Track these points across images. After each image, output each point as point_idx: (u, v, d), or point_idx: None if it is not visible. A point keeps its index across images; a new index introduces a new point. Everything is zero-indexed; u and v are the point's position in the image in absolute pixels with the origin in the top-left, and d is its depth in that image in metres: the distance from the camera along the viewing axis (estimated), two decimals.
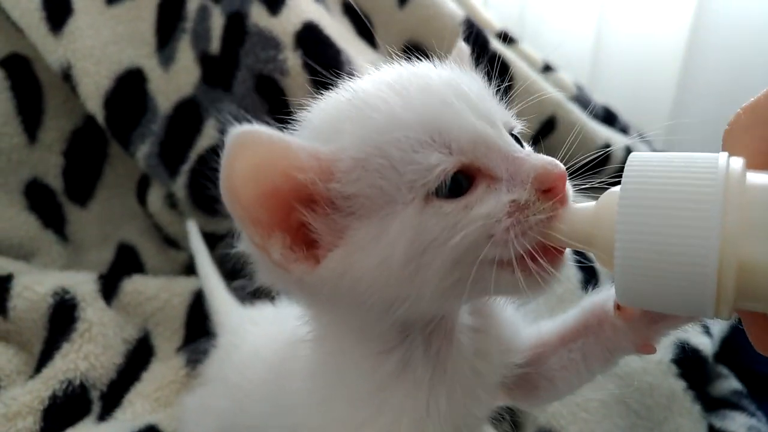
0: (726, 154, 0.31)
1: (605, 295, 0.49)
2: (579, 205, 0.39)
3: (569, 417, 0.78)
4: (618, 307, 0.46)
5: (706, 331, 0.86)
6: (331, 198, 0.40)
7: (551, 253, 0.39)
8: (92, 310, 0.86)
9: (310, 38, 0.97)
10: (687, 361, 0.80)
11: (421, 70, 0.43)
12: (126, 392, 0.83)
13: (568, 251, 0.40)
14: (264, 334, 0.62)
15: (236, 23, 0.99)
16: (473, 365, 0.47)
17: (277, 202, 0.39)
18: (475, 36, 1.09)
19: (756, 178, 0.31)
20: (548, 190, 0.38)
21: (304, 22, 0.98)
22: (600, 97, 1.34)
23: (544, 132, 1.10)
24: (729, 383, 0.86)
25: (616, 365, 0.50)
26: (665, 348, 0.81)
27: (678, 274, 0.30)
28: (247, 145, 0.37)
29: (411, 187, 0.38)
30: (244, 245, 0.43)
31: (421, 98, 0.40)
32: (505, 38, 1.24)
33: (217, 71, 1.01)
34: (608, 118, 1.27)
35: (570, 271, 0.95)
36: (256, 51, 0.98)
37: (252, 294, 0.82)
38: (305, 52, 0.96)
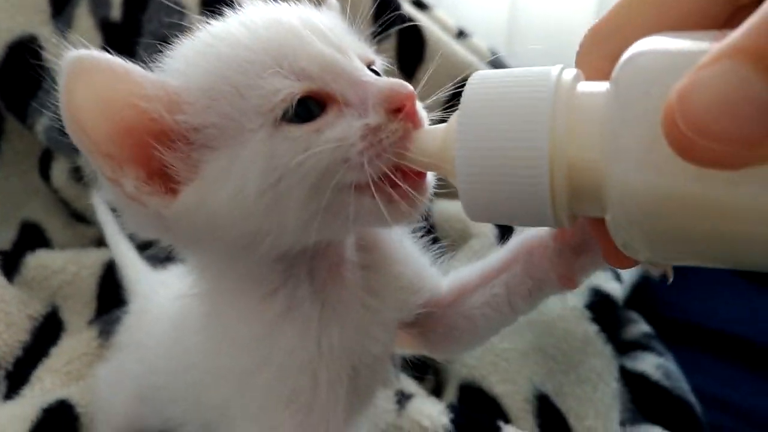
0: (560, 66, 0.33)
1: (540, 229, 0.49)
2: (432, 126, 0.39)
3: (490, 367, 0.80)
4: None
5: (617, 277, 0.89)
6: (182, 131, 0.39)
7: (411, 178, 0.39)
8: None
9: (217, 1, 0.94)
10: (599, 305, 0.83)
11: (274, 8, 0.43)
12: (34, 369, 0.80)
13: (430, 177, 0.41)
14: (172, 294, 0.60)
15: None
16: (364, 302, 0.47)
17: (129, 138, 0.38)
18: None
19: (586, 86, 0.32)
20: (398, 110, 0.38)
21: None
22: (515, 63, 1.37)
23: (458, 95, 1.10)
24: (639, 327, 0.90)
25: (536, 306, 0.50)
26: (579, 295, 0.84)
27: (514, 182, 0.31)
28: (85, 71, 0.36)
29: (258, 112, 0.38)
30: (105, 193, 0.41)
31: (268, 28, 0.40)
32: (419, 5, 1.24)
33: (119, 38, 0.97)
34: None
35: (486, 226, 0.97)
36: (159, 17, 0.94)
37: (165, 261, 0.80)
38: (211, 17, 0.93)
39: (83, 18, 0.98)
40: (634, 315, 0.92)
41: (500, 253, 0.51)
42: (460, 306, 0.52)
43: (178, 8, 0.94)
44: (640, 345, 0.86)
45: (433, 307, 0.51)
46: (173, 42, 0.44)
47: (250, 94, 0.38)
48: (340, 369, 0.46)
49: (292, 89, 0.38)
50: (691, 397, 0.77)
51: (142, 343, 0.62)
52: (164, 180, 0.40)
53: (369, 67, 0.43)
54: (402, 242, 0.51)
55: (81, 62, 0.36)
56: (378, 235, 0.50)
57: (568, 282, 0.47)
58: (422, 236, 0.54)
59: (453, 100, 0.42)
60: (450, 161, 0.34)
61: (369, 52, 0.45)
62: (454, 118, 0.35)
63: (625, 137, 0.28)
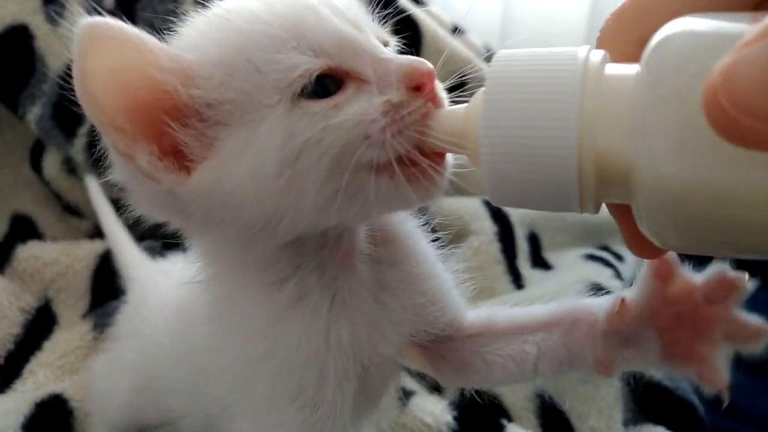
0: (587, 47, 0.31)
1: (596, 300, 0.46)
2: (454, 106, 0.38)
3: None
4: (621, 302, 0.42)
5: (618, 275, 0.89)
6: (195, 107, 0.38)
7: (431, 157, 0.38)
8: None
9: None
10: None
11: None
12: (26, 363, 0.78)
13: (449, 157, 0.40)
14: (174, 282, 0.58)
15: None
16: (377, 297, 0.46)
17: (143, 114, 0.37)
18: None
19: (615, 68, 0.31)
20: (418, 88, 0.37)
21: None
22: None
23: (453, 89, 1.10)
24: None
25: (561, 378, 0.48)
26: (580, 292, 0.83)
27: (540, 165, 0.30)
28: (99, 38, 0.35)
29: (276, 88, 0.37)
30: (116, 172, 0.40)
31: (285, 3, 0.39)
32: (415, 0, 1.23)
33: None
34: None
35: (485, 223, 0.97)
36: (153, 4, 0.93)
37: (161, 252, 0.79)
38: (207, 3, 0.92)
39: (75, 6, 0.96)
40: None
41: (543, 310, 0.48)
42: (481, 346, 0.49)
43: None
44: None
45: (453, 332, 0.50)
46: (167, 30, 0.42)
47: (268, 69, 0.37)
48: (348, 366, 0.44)
49: (310, 65, 0.37)
50: (694, 398, 0.76)
51: (142, 332, 0.61)
52: (177, 158, 0.38)
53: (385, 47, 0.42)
54: (427, 254, 0.50)
55: (95, 29, 0.34)
56: (394, 230, 0.48)
57: (604, 369, 0.44)
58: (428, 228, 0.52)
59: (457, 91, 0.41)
60: (473, 141, 0.33)
61: (384, 33, 0.44)
62: (478, 97, 0.34)
63: (657, 118, 0.27)
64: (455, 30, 1.24)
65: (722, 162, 0.25)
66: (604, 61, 0.31)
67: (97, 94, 0.35)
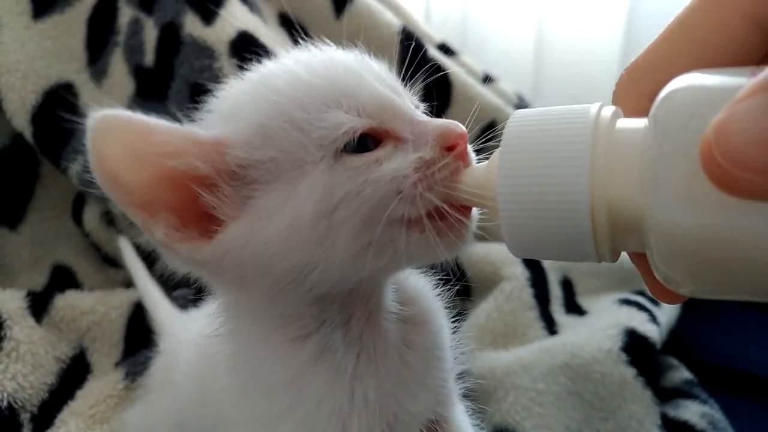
0: (600, 103, 0.33)
1: None
2: (477, 164, 0.40)
3: (524, 413, 0.77)
4: None
5: (653, 319, 0.87)
6: (225, 170, 0.40)
7: (458, 211, 0.40)
8: (19, 329, 0.81)
9: (246, 46, 0.96)
10: (635, 348, 0.81)
11: (327, 50, 0.44)
12: (59, 412, 0.78)
13: (475, 212, 0.41)
14: (202, 328, 0.59)
15: (170, 34, 0.98)
16: (402, 356, 0.46)
17: (169, 184, 0.38)
18: (413, 44, 1.10)
19: (625, 122, 0.32)
20: (451, 148, 0.39)
21: (240, 32, 0.98)
22: (541, 104, 1.37)
23: (485, 138, 1.10)
24: (680, 373, 0.86)
25: None
26: (614, 337, 0.82)
27: (555, 218, 0.32)
28: (110, 131, 0.37)
29: (319, 145, 0.39)
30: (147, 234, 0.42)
31: (325, 66, 0.41)
32: (445, 50, 1.26)
33: (152, 83, 0.99)
34: None
35: (517, 269, 0.96)
36: (190, 60, 0.97)
37: (194, 301, 0.80)
38: (241, 60, 0.95)
39: (118, 65, 1.01)
40: (674, 361, 0.88)
41: None
42: None
43: (208, 53, 0.96)
44: (682, 392, 0.83)
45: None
46: (204, 85, 0.44)
47: (311, 128, 0.39)
48: (373, 423, 0.44)
49: (354, 123, 0.39)
50: None
51: (173, 382, 0.61)
52: (210, 221, 0.40)
53: None
54: (446, 331, 0.51)
55: (105, 122, 0.36)
56: (421, 292, 0.50)
57: None
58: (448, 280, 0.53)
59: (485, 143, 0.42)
60: (493, 197, 0.35)
61: (414, 99, 0.46)
62: (497, 154, 0.36)
63: (663, 171, 0.28)
64: (486, 79, 1.26)
65: (726, 211, 0.26)
66: (615, 116, 0.32)
67: (120, 176, 0.37)
